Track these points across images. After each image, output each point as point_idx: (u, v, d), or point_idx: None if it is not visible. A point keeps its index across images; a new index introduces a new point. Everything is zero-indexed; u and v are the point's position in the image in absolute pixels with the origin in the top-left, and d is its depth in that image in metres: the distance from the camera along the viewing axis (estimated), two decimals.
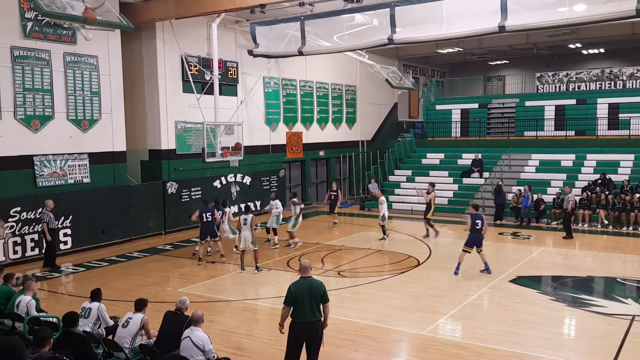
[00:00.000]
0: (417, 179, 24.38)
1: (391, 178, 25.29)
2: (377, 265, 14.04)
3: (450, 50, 28.29)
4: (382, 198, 17.05)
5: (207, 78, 19.23)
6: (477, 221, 12.76)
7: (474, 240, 12.75)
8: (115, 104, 16.91)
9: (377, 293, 11.60)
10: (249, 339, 9.12)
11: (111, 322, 7.86)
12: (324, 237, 17.52)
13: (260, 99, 22.36)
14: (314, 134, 25.10)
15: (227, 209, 15.20)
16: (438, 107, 28.72)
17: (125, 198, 17.05)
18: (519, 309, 10.48)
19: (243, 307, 10.90)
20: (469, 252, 12.77)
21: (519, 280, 12.24)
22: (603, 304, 10.76)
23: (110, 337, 7.57)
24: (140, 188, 17.97)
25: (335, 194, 19.82)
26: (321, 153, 25.59)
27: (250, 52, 19.43)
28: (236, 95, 21.04)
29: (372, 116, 28.65)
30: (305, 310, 6.94)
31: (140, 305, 7.47)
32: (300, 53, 17.82)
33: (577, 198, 19.27)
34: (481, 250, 12.77)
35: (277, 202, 16.10)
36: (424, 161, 26.01)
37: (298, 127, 24.31)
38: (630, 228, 18.14)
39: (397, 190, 24.05)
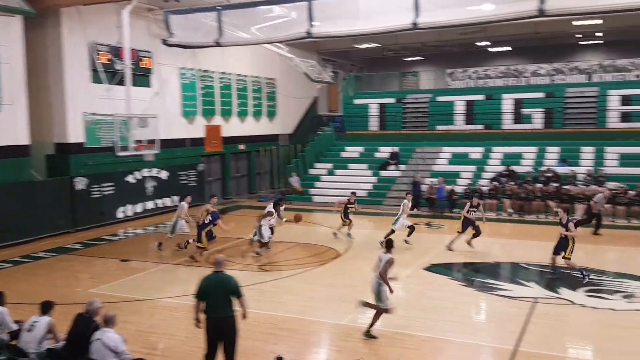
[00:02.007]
0: (337, 172, 24.77)
1: (311, 171, 25.47)
2: (298, 257, 14.10)
3: (368, 45, 28.86)
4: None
5: (119, 68, 18.40)
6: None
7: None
8: (17, 95, 15.77)
9: (298, 285, 11.67)
10: (166, 338, 8.87)
11: (15, 327, 7.38)
12: (246, 231, 17.34)
13: (177, 91, 21.72)
14: (233, 127, 24.74)
15: (184, 203, 14.81)
16: (356, 101, 29.25)
17: (29, 195, 15.99)
18: (433, 296, 10.94)
19: (161, 305, 10.58)
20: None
21: (433, 268, 12.75)
22: (509, 287, 11.44)
23: (14, 342, 7.10)
24: (46, 184, 16.93)
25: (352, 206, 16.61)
26: (241, 147, 25.30)
27: (164, 42, 18.79)
28: (150, 87, 20.30)
29: (292, 110, 28.68)
30: (216, 305, 6.92)
31: (46, 307, 7.07)
32: (218, 44, 17.44)
33: (485, 188, 20.41)
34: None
35: None
36: (343, 154, 26.43)
37: (217, 120, 23.86)
38: (533, 216, 19.38)
39: (317, 184, 24.28)
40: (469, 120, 26.34)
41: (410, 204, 15.67)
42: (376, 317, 8.73)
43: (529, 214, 19.54)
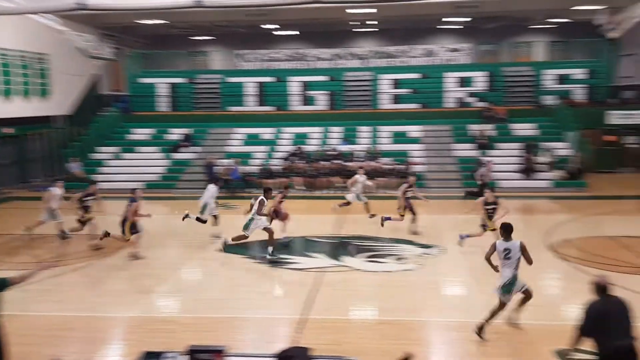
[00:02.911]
0: (124, 155, 23.31)
1: (94, 156, 23.54)
2: (82, 250, 12.94)
3: (152, 22, 27.42)
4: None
5: None
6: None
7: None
8: None
9: (82, 280, 10.73)
10: None
11: None
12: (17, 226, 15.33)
13: None
14: None
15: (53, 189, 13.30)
16: (143, 80, 27.74)
17: None
18: (228, 275, 11.04)
19: None
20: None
21: (228, 249, 12.79)
22: (299, 260, 12.08)
23: None
24: None
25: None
26: (8, 130, 22.16)
27: None
28: None
29: (70, 89, 25.97)
30: None
31: None
32: None
33: (278, 167, 21.19)
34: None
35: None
36: (130, 137, 24.94)
37: None
38: (321, 192, 20.71)
39: (101, 169, 22.55)
40: (261, 101, 26.93)
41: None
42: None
43: (319, 189, 20.83)
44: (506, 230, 7.97)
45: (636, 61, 26.96)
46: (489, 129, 23.11)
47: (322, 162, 21.52)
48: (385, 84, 26.86)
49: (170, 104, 27.09)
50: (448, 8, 24.98)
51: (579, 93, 25.94)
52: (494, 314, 7.87)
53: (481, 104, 25.38)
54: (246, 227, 12.07)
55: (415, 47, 29.76)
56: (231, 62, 30.78)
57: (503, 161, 21.26)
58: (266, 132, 24.70)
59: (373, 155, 22.00)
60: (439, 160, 22.00)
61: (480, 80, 26.59)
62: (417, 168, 21.20)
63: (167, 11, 18.74)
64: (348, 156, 22.04)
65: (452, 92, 26.51)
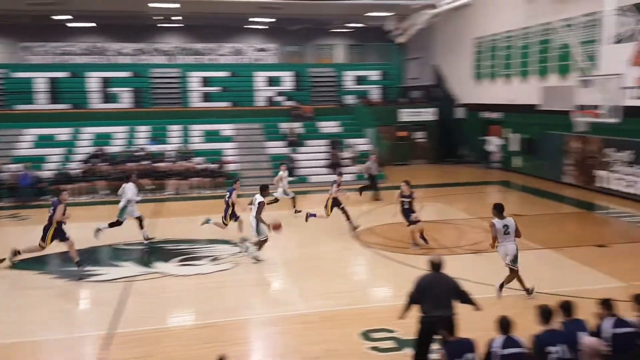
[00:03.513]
0: None
1: None
2: None
3: None
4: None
5: None
6: None
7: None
8: None
9: None
10: None
11: None
12: None
13: None
14: None
15: None
16: None
17: None
18: (20, 295, 9.68)
19: None
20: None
21: (19, 265, 11.19)
22: (105, 271, 11.08)
23: None
24: None
25: None
26: None
27: None
28: None
29: None
30: None
31: None
32: None
33: (77, 171, 19.34)
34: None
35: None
36: None
37: None
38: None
39: None
40: (54, 99, 24.34)
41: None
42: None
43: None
44: (499, 209, 8.92)
45: (421, 64, 30.34)
46: (298, 126, 23.95)
47: (128, 164, 20.18)
48: (194, 81, 26.24)
49: None
50: (253, 8, 25.32)
51: (375, 93, 28.29)
52: (509, 281, 8.96)
53: (289, 103, 26.21)
54: (258, 232, 11.17)
55: (223, 45, 29.61)
56: (16, 55, 27.29)
57: (312, 157, 22.21)
58: (62, 133, 22.38)
59: (185, 154, 21.31)
60: (252, 158, 22.16)
61: (287, 79, 27.45)
62: (231, 167, 21.12)
63: None
64: (158, 156, 21.02)
65: (262, 90, 26.96)
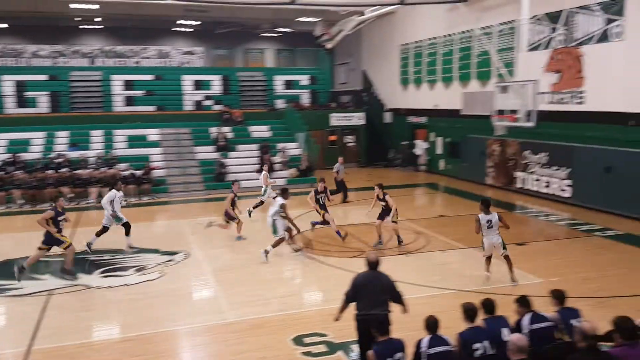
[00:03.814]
0: None
1: None
2: None
3: None
4: None
5: None
6: None
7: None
8: None
9: None
10: None
11: None
12: None
13: None
14: None
15: None
16: None
17: None
18: None
19: None
20: None
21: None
22: (20, 285, 10.42)
23: None
24: None
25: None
26: None
27: None
28: None
29: None
30: None
31: None
32: None
33: None
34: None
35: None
36: None
37: None
38: (47, 205, 18.36)
39: None
40: None
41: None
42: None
43: (43, 202, 18.41)
44: (486, 205, 9.55)
45: (350, 69, 30.81)
46: (227, 131, 23.61)
47: (47, 172, 19.14)
48: (117, 85, 25.29)
49: None
50: (178, 10, 24.77)
51: (305, 97, 28.41)
52: (511, 267, 9.75)
53: (218, 107, 25.82)
54: (275, 231, 11.66)
55: (148, 48, 28.79)
56: None
57: (242, 162, 21.96)
58: None
59: (108, 161, 20.46)
60: (180, 163, 21.61)
61: (216, 83, 27.05)
62: (158, 172, 20.51)
63: None
64: (79, 163, 20.05)
65: (190, 94, 26.40)
